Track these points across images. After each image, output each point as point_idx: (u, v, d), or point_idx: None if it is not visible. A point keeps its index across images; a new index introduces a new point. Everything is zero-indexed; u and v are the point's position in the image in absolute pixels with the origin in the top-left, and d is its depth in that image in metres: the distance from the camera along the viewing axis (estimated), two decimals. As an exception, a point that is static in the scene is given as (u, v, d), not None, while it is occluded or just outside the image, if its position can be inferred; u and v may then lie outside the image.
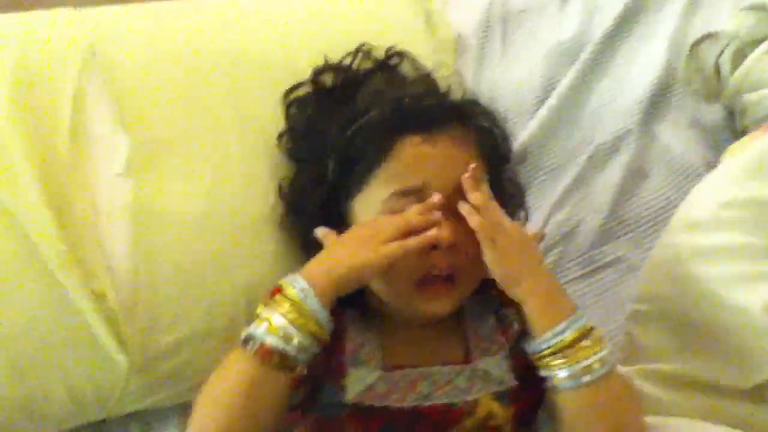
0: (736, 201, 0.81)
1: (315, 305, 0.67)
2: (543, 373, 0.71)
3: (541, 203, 1.01)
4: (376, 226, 0.72)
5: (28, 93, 0.82)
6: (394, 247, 0.70)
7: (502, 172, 0.85)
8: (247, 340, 0.67)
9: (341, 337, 0.75)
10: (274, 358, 0.66)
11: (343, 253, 0.71)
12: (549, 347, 0.70)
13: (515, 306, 0.75)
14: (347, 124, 0.79)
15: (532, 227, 0.97)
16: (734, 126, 1.01)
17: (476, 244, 0.73)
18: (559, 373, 0.70)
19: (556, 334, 0.69)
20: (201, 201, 0.82)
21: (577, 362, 0.69)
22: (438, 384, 0.75)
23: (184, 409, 0.79)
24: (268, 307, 0.68)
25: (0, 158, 0.78)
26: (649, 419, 0.75)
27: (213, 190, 0.83)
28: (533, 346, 0.71)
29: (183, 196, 0.82)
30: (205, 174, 0.83)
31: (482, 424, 0.74)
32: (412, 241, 0.70)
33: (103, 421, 0.87)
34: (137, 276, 0.79)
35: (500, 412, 0.74)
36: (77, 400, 0.80)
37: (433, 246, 0.72)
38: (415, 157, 0.75)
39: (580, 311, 0.71)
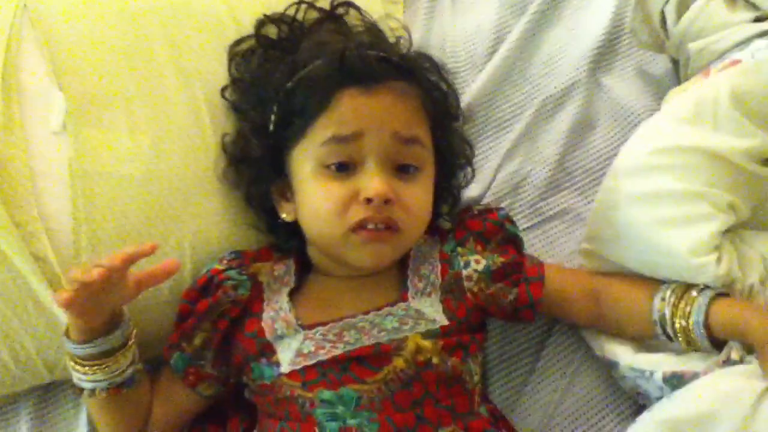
0: (667, 147, 0.83)
1: (73, 350, 0.74)
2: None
3: (490, 155, 1.01)
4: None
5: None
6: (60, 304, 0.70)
7: (450, 127, 0.85)
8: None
9: (259, 317, 0.78)
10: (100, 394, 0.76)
11: None
12: None
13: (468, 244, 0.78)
14: (289, 75, 0.79)
15: (480, 181, 0.98)
16: (679, 76, 1.02)
17: (415, 196, 0.75)
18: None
19: None
20: (143, 158, 0.81)
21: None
22: (364, 330, 0.76)
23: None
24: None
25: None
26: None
27: (155, 146, 0.81)
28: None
29: (124, 154, 0.80)
30: (146, 130, 0.82)
31: (412, 360, 0.75)
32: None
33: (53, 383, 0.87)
34: (78, 238, 0.78)
35: (428, 345, 0.76)
36: (23, 364, 0.80)
37: (368, 199, 0.73)
38: (353, 108, 0.75)
39: None
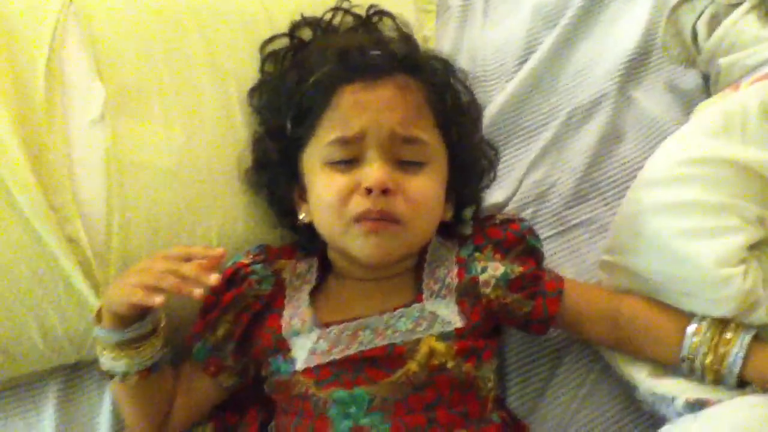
0: (696, 158, 0.83)
1: (106, 336, 0.75)
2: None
3: (516, 164, 1.01)
4: (149, 263, 0.74)
5: (5, 42, 0.83)
6: (135, 297, 0.72)
7: (470, 130, 0.86)
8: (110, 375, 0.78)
9: (280, 314, 0.80)
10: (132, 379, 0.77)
11: (116, 286, 0.75)
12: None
13: (486, 251, 0.79)
14: (299, 77, 0.81)
15: (506, 188, 0.99)
16: (710, 91, 1.01)
17: (420, 189, 0.76)
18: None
19: None
20: (175, 150, 0.83)
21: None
22: (378, 331, 0.77)
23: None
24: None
25: (-25, 104, 0.79)
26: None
27: (187, 139, 0.84)
28: None
29: (157, 145, 0.83)
30: (180, 123, 0.84)
31: (426, 364, 0.76)
32: (157, 300, 0.71)
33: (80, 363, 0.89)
34: (110, 223, 0.80)
35: (442, 348, 0.76)
36: (51, 343, 0.82)
37: (368, 190, 0.74)
38: (354, 104, 0.77)
39: None
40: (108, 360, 0.77)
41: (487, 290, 0.81)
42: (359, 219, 0.76)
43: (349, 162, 0.77)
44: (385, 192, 0.74)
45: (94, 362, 0.89)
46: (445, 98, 0.83)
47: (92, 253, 0.80)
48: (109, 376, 0.78)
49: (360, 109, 0.76)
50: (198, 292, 0.70)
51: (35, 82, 0.81)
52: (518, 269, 0.82)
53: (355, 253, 0.78)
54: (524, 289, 0.82)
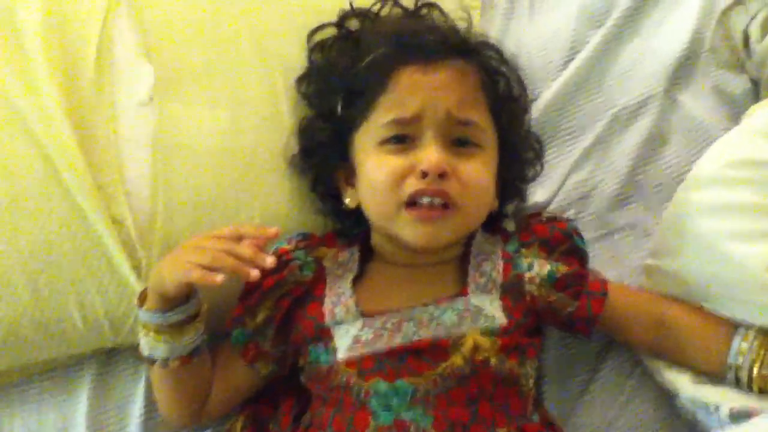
0: (745, 160, 0.82)
1: (151, 319, 0.75)
2: None
3: (560, 163, 1.00)
4: (202, 241, 0.74)
5: (59, 22, 0.83)
6: (194, 274, 0.71)
7: (519, 118, 0.85)
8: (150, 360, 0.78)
9: (321, 301, 0.79)
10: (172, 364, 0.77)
11: (167, 265, 0.74)
12: None
13: (532, 248, 0.78)
14: (353, 60, 0.81)
15: (549, 187, 0.98)
16: (758, 96, 1.00)
17: (474, 173, 0.75)
18: None
19: None
20: (221, 134, 0.83)
21: None
22: (423, 323, 0.76)
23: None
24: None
25: (29, 85, 0.80)
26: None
27: (233, 123, 0.84)
28: None
29: (203, 128, 0.83)
30: (226, 107, 0.84)
31: (470, 358, 0.75)
32: (218, 278, 0.71)
33: (116, 349, 0.89)
34: (155, 204, 0.81)
35: (486, 344, 0.75)
36: (90, 324, 0.82)
37: (424, 173, 0.73)
38: (411, 85, 0.77)
39: None
40: (150, 343, 0.76)
41: (532, 288, 0.80)
42: (412, 202, 0.75)
43: (404, 143, 0.77)
44: (441, 176, 0.74)
45: (129, 348, 0.89)
46: (498, 85, 0.83)
47: (136, 233, 0.80)
48: (150, 361, 0.77)
49: (417, 90, 0.76)
50: (255, 273, 0.70)
51: (86, 62, 0.82)
52: (563, 268, 0.81)
53: (405, 237, 0.77)
54: (569, 288, 0.81)
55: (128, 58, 0.84)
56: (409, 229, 0.76)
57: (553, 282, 0.80)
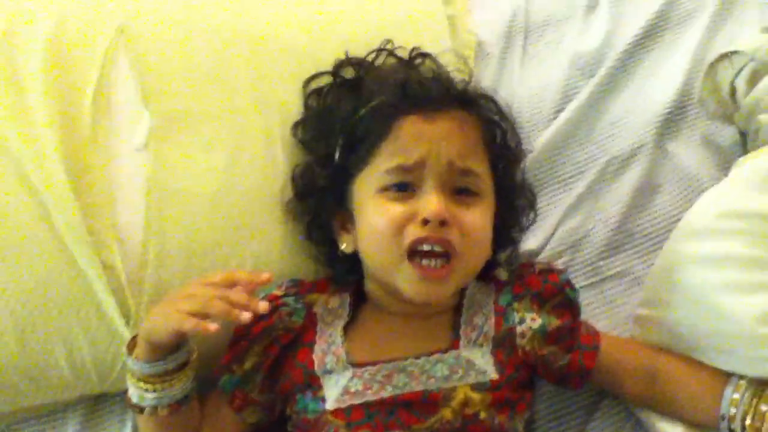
0: (736, 211, 0.82)
1: (140, 368, 0.74)
2: None
3: (551, 211, 1.01)
4: (194, 288, 0.74)
5: (58, 66, 0.84)
6: (187, 324, 0.71)
7: (513, 169, 0.86)
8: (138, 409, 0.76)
9: (311, 348, 0.78)
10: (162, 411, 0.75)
11: (158, 314, 0.74)
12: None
13: (523, 301, 0.78)
14: (354, 107, 0.82)
15: (540, 235, 0.98)
16: (746, 147, 1.01)
17: (475, 223, 0.76)
18: None
19: None
20: (216, 179, 0.83)
21: None
22: (414, 375, 0.75)
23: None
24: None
25: (25, 125, 0.80)
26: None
27: (228, 169, 0.84)
28: None
29: (198, 173, 0.83)
30: (221, 152, 0.84)
31: (459, 412, 0.74)
32: (211, 327, 0.71)
33: (103, 395, 0.87)
34: (147, 250, 0.80)
35: (476, 398, 0.75)
36: (77, 370, 0.81)
37: (425, 221, 0.74)
38: (413, 134, 0.77)
39: None
40: (138, 392, 0.75)
41: (523, 341, 0.80)
42: (413, 251, 0.75)
43: (405, 190, 0.77)
44: (442, 223, 0.74)
45: (116, 395, 0.88)
46: (496, 135, 0.84)
47: (126, 279, 0.79)
48: (138, 409, 0.76)
49: (420, 139, 0.77)
50: (246, 316, 0.70)
51: (83, 106, 0.82)
52: (555, 321, 0.81)
53: (406, 291, 0.76)
54: (560, 342, 0.80)
55: (126, 103, 0.84)
56: (411, 284, 0.75)
57: (544, 335, 0.80)
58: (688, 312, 0.84)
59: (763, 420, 0.76)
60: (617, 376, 0.83)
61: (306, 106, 0.90)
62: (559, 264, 0.96)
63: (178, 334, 0.72)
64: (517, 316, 0.80)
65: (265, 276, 0.74)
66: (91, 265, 0.78)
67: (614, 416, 0.89)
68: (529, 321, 0.80)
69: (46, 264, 0.78)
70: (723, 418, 0.78)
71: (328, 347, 0.78)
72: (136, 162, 0.82)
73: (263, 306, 0.71)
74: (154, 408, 0.75)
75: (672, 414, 0.83)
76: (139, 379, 0.74)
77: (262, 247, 0.84)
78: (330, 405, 0.75)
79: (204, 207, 0.82)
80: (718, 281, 0.81)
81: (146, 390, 0.74)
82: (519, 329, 0.80)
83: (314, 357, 0.78)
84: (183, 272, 0.81)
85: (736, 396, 0.78)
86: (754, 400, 0.77)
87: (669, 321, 0.86)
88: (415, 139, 0.77)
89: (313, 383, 0.77)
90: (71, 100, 0.82)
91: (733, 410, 0.78)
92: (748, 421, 0.76)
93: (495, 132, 0.84)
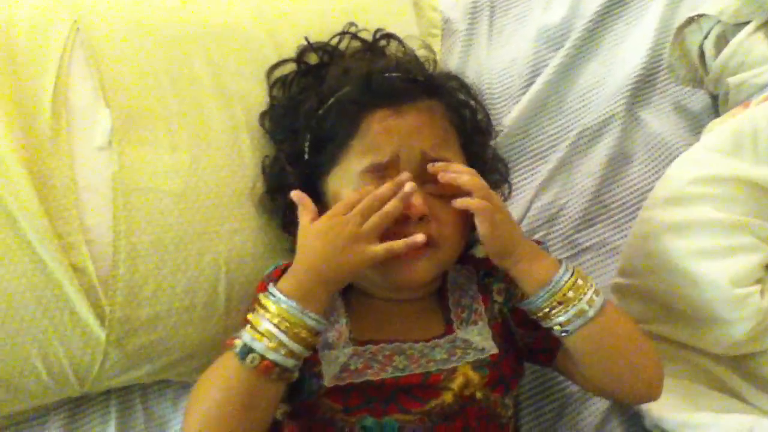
0: (707, 177, 0.83)
1: (312, 318, 0.68)
2: (547, 324, 0.72)
3: (525, 187, 1.01)
4: (352, 219, 0.71)
5: (12, 67, 0.82)
6: (380, 251, 0.70)
7: (484, 145, 0.85)
8: (245, 352, 0.66)
9: None
10: (274, 372, 0.67)
11: (330, 255, 0.70)
12: (550, 299, 0.71)
13: (497, 273, 0.77)
14: (319, 103, 0.80)
15: (515, 210, 0.98)
16: (718, 111, 1.01)
17: (451, 213, 0.74)
18: (564, 317, 0.71)
19: (553, 287, 0.71)
20: (183, 175, 0.82)
21: (579, 300, 0.71)
22: (413, 358, 0.75)
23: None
24: (261, 316, 0.68)
25: (-19, 131, 0.78)
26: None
27: (195, 164, 0.82)
28: (533, 304, 0.73)
29: (165, 170, 0.81)
30: (186, 148, 0.83)
31: (459, 394, 0.74)
32: (399, 245, 0.71)
33: (83, 398, 0.87)
34: (117, 250, 0.79)
35: (475, 378, 0.75)
36: (55, 375, 0.80)
37: (405, 217, 0.73)
38: (383, 131, 0.76)
39: (562, 260, 0.74)
40: (284, 341, 0.66)
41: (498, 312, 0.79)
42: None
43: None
44: (421, 218, 0.73)
45: (97, 397, 0.87)
46: (464, 117, 0.83)
47: (98, 280, 0.78)
48: (258, 361, 0.66)
49: (390, 134, 0.75)
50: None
51: (41, 108, 0.80)
52: (519, 293, 0.78)
53: (393, 276, 0.75)
54: (528, 321, 0.77)
55: (85, 103, 0.82)
56: (394, 268, 0.74)
57: (511, 310, 0.79)
58: (664, 279, 0.84)
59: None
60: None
61: (271, 95, 0.88)
62: (535, 239, 0.95)
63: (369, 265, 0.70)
64: (494, 288, 0.80)
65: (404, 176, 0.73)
66: (61, 268, 0.76)
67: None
68: (496, 293, 0.80)
69: (15, 270, 0.77)
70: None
71: (330, 325, 0.76)
72: (100, 162, 0.81)
73: (406, 176, 0.72)
74: (284, 368, 0.67)
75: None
76: (297, 333, 0.67)
77: (236, 242, 0.83)
78: (328, 381, 0.73)
79: (173, 203, 0.81)
80: (691, 248, 0.82)
81: (293, 348, 0.66)
82: (498, 301, 0.79)
83: None
84: (155, 270, 0.80)
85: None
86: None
87: (646, 289, 0.87)
88: (385, 135, 0.75)
89: (309, 358, 0.72)
90: (28, 102, 0.80)
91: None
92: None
93: (464, 114, 0.83)
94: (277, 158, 0.85)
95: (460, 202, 0.72)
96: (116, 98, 0.83)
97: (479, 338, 0.76)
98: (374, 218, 0.71)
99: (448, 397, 0.74)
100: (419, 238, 0.71)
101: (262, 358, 0.66)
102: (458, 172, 0.73)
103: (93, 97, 0.83)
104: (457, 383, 0.74)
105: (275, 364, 0.66)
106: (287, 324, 0.67)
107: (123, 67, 0.84)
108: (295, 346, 0.67)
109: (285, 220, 0.84)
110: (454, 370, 0.74)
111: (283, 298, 0.68)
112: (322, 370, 0.74)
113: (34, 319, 0.77)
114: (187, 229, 0.81)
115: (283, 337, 0.66)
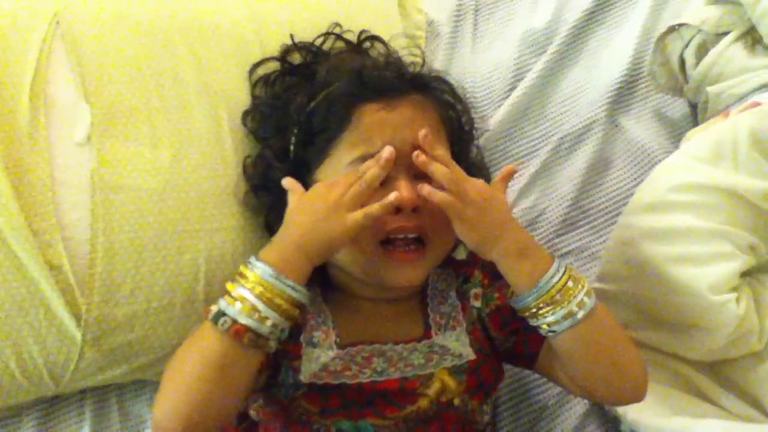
0: (687, 184, 0.84)
1: (288, 284, 0.67)
2: (535, 323, 0.71)
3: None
4: (335, 189, 0.71)
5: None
6: (359, 216, 0.70)
7: (468, 148, 0.86)
8: (218, 316, 0.65)
9: (300, 319, 0.74)
10: (246, 337, 0.65)
11: (311, 224, 0.70)
12: (538, 300, 0.70)
13: (474, 279, 0.77)
14: (309, 97, 0.80)
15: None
16: (697, 119, 1.02)
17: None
18: (553, 317, 0.69)
19: (543, 286, 0.69)
20: (163, 172, 0.81)
21: (569, 302, 0.69)
22: (392, 361, 0.75)
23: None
24: (238, 284, 0.67)
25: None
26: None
27: (176, 161, 0.82)
28: (520, 303, 0.71)
29: (145, 168, 0.81)
30: (168, 144, 0.82)
31: (436, 401, 0.74)
32: (375, 208, 0.70)
33: (57, 397, 0.86)
34: (95, 247, 0.78)
35: (452, 385, 0.75)
36: (29, 374, 0.79)
37: (397, 209, 0.73)
38: (375, 123, 0.76)
39: (555, 257, 0.72)
40: (258, 305, 0.65)
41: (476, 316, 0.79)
42: (387, 243, 0.74)
43: None
44: (414, 210, 0.73)
45: (71, 396, 0.86)
46: (452, 117, 0.83)
47: (75, 279, 0.77)
48: (242, 332, 0.65)
49: (382, 127, 0.75)
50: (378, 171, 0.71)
51: (19, 103, 0.79)
52: (497, 302, 0.78)
53: (384, 277, 0.75)
54: (505, 325, 0.78)
55: (65, 98, 0.81)
56: (388, 270, 0.74)
57: (490, 314, 0.79)
58: (643, 285, 0.85)
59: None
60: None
61: (253, 94, 0.88)
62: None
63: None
64: (472, 293, 0.80)
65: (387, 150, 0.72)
66: (37, 266, 0.75)
67: (571, 395, 0.89)
68: (473, 299, 0.79)
69: (-10, 267, 0.75)
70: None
71: (318, 325, 0.76)
72: (78, 158, 0.79)
73: (388, 149, 0.71)
74: (250, 332, 0.65)
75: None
76: (271, 299, 0.66)
77: (216, 239, 0.82)
78: (304, 377, 0.72)
79: (152, 202, 0.80)
80: (672, 254, 0.82)
81: (267, 314, 0.65)
82: (476, 306, 0.79)
83: (303, 327, 0.75)
84: (133, 269, 0.79)
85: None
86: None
87: (625, 294, 0.87)
88: (377, 127, 0.75)
89: (290, 351, 0.73)
90: (6, 96, 0.79)
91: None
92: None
93: (450, 114, 0.84)
94: (262, 156, 0.84)
95: (426, 192, 0.71)
96: (96, 93, 0.82)
97: (456, 344, 0.76)
98: (355, 187, 0.71)
99: (424, 404, 0.73)
100: (392, 197, 0.70)
101: (234, 321, 0.65)
102: (438, 163, 0.72)
103: (72, 92, 0.81)
104: (433, 389, 0.74)
105: (247, 328, 0.65)
106: (262, 289, 0.65)
107: (104, 62, 0.83)
108: (270, 313, 0.65)
109: (268, 219, 0.83)
110: (430, 376, 0.74)
111: (259, 264, 0.67)
112: (301, 364, 0.73)
113: (9, 317, 0.76)
114: (167, 227, 0.80)
115: (258, 303, 0.65)
